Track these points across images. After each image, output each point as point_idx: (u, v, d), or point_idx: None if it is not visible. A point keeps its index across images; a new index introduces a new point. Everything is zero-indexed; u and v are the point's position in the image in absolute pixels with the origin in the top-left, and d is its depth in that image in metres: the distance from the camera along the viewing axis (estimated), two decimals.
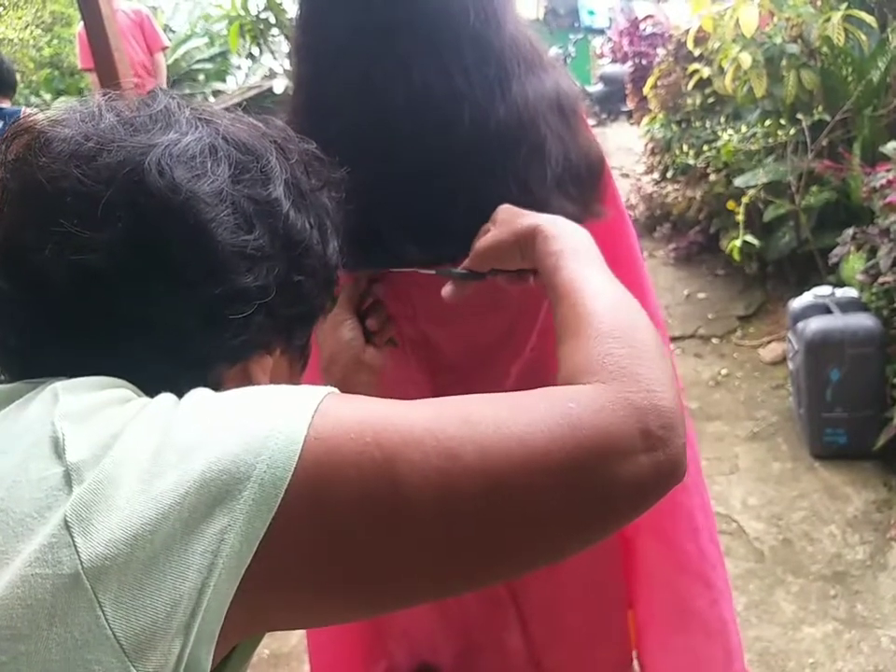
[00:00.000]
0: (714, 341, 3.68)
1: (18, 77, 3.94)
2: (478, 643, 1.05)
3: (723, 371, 3.40)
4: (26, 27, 7.35)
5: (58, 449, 0.41)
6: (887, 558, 2.21)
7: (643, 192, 4.75)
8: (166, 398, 0.46)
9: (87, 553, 0.37)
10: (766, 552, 2.31)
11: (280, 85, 6.24)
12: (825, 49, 3.24)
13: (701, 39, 3.79)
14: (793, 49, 3.25)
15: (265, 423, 0.42)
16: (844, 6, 3.18)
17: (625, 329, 0.56)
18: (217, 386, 0.51)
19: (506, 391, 0.51)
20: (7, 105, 3.40)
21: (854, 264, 2.76)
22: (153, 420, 0.43)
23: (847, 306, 2.66)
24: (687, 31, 3.94)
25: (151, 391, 0.47)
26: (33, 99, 7.02)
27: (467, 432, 0.45)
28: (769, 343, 3.48)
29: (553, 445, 0.46)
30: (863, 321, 2.57)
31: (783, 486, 2.59)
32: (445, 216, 0.78)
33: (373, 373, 0.82)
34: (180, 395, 0.46)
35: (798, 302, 2.80)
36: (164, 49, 4.90)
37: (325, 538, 0.43)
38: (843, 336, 2.55)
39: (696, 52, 3.88)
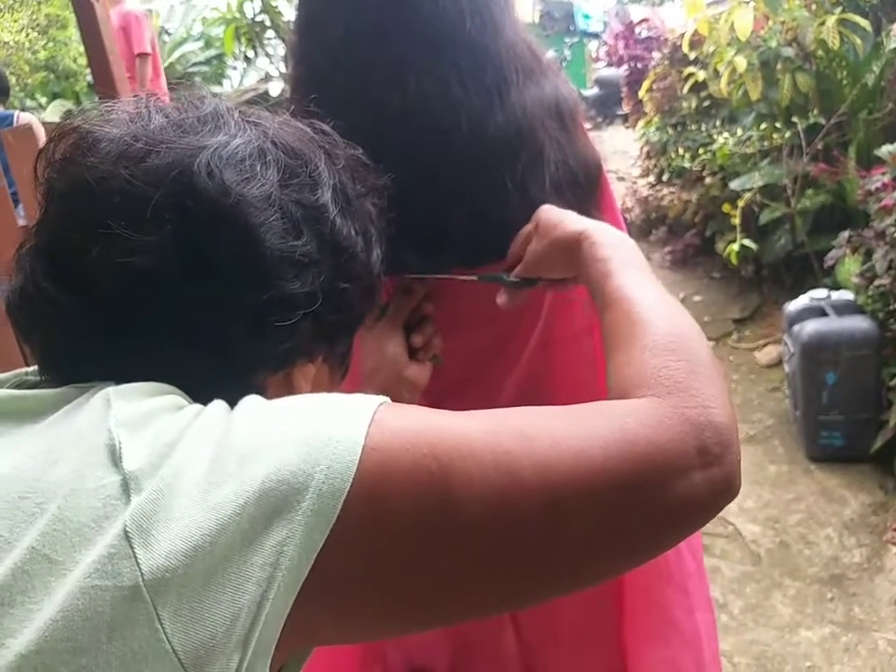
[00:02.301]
0: (710, 344, 3.68)
1: (13, 80, 3.93)
2: (472, 647, 1.05)
3: (720, 364, 3.40)
4: (21, 30, 7.33)
5: (115, 457, 0.40)
6: (883, 561, 2.21)
7: (639, 195, 4.76)
8: (219, 405, 0.45)
9: (147, 565, 0.37)
10: (763, 555, 2.31)
11: (276, 88, 6.25)
12: (820, 52, 3.25)
13: (696, 43, 3.80)
14: (788, 52, 3.27)
15: (322, 432, 0.42)
16: (839, 9, 3.20)
17: (681, 342, 0.55)
18: (260, 392, 0.51)
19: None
20: (0, 108, 3.40)
21: (850, 267, 2.76)
22: (209, 428, 0.42)
23: (843, 309, 2.66)
24: (682, 34, 3.96)
25: (197, 395, 0.47)
26: (28, 102, 7.01)
27: (524, 446, 0.44)
28: (765, 346, 3.49)
29: (610, 462, 0.45)
30: (859, 324, 2.57)
31: (779, 489, 2.59)
32: (443, 222, 0.78)
33: (414, 390, 0.80)
34: (226, 399, 0.46)
35: (794, 305, 2.80)
36: (143, 55, 4.63)
37: (381, 549, 0.42)
38: (839, 339, 2.55)
39: (692, 56, 3.89)
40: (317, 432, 0.42)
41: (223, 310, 0.48)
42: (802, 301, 2.79)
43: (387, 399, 0.46)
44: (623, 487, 0.45)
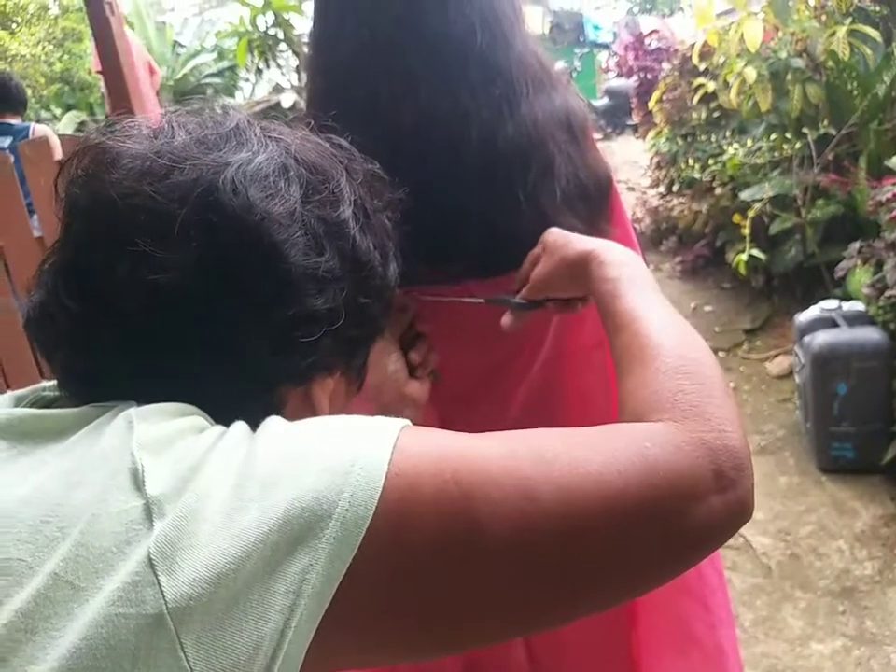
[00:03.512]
0: (720, 354, 3.67)
1: (29, 92, 3.97)
2: (481, 658, 1.04)
3: (730, 385, 3.38)
4: (38, 43, 7.43)
5: (137, 481, 0.40)
6: (895, 574, 2.19)
7: (649, 206, 4.76)
8: (241, 427, 0.45)
9: (171, 593, 0.36)
10: (773, 567, 2.30)
11: (287, 99, 6.30)
12: (830, 63, 3.25)
13: (706, 54, 3.81)
14: (798, 63, 3.27)
15: (346, 458, 0.42)
16: (849, 20, 3.20)
17: (694, 365, 0.55)
18: (280, 407, 0.51)
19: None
20: (18, 121, 3.44)
21: (860, 278, 2.75)
22: (232, 452, 0.42)
23: (854, 320, 2.65)
24: (692, 45, 3.97)
25: (218, 412, 0.47)
26: (43, 114, 7.09)
27: (543, 471, 0.45)
28: (776, 356, 3.47)
29: (629, 486, 0.45)
30: (870, 335, 2.56)
31: (790, 501, 2.57)
32: (454, 234, 0.78)
33: (416, 407, 0.81)
34: (247, 416, 0.46)
35: (804, 316, 2.79)
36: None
37: (403, 575, 0.42)
38: (850, 350, 2.54)
39: (701, 67, 3.90)
40: (341, 458, 0.42)
41: (247, 326, 0.48)
42: (812, 311, 2.78)
43: (408, 423, 0.46)
44: (643, 511, 0.45)
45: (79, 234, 0.49)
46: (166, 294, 0.46)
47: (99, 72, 4.66)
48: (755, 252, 3.41)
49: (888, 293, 2.52)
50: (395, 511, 0.41)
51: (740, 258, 3.44)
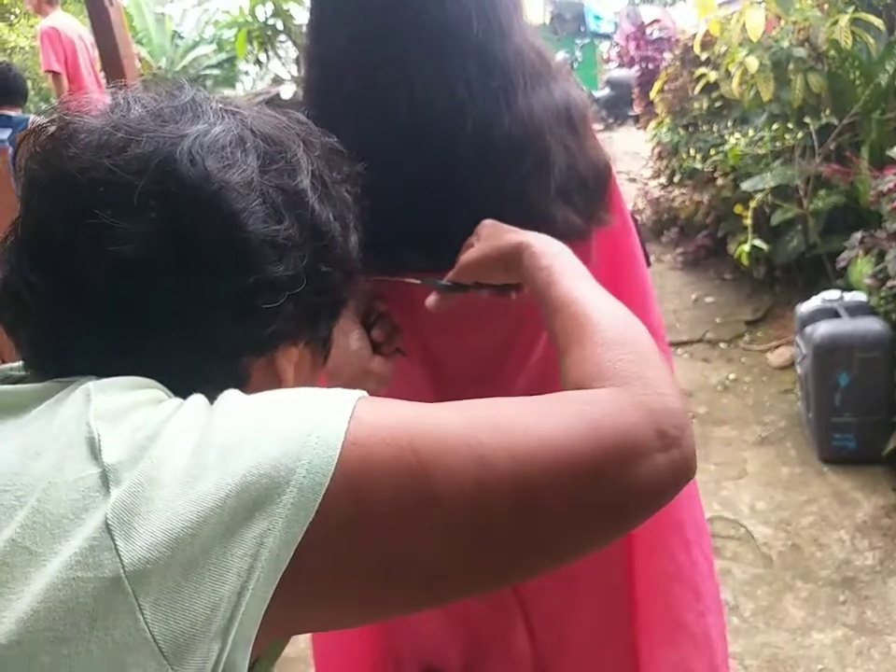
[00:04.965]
0: (722, 345, 3.67)
1: (28, 84, 3.96)
2: (485, 649, 1.05)
3: (731, 376, 3.38)
4: (37, 35, 7.40)
5: (94, 450, 0.41)
6: None
7: (650, 196, 4.75)
8: (199, 399, 0.46)
9: (128, 557, 0.37)
10: (775, 557, 2.30)
11: (287, 91, 6.28)
12: (832, 52, 3.23)
13: (708, 43, 3.79)
14: (800, 52, 3.25)
15: (304, 426, 0.43)
16: (851, 9, 3.18)
17: (630, 337, 0.59)
18: (245, 378, 0.52)
19: None
20: (17, 112, 3.44)
21: (862, 268, 2.75)
22: (189, 421, 0.43)
23: (856, 310, 2.65)
24: (694, 35, 3.95)
25: (181, 384, 0.47)
26: (43, 106, 7.08)
27: (498, 438, 0.47)
28: (777, 347, 3.47)
29: (578, 448, 0.48)
30: (872, 325, 2.55)
31: (792, 491, 2.57)
32: (447, 224, 0.79)
33: (381, 382, 0.82)
34: (210, 387, 0.47)
35: (806, 307, 2.79)
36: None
37: (360, 542, 0.43)
38: (851, 340, 2.54)
39: (703, 56, 3.88)
40: (298, 427, 0.43)
41: (208, 295, 0.49)
42: (814, 302, 2.78)
43: (365, 394, 0.47)
44: (592, 471, 0.48)
45: (40, 210, 0.49)
46: (127, 265, 0.46)
47: (48, 71, 4.60)
48: (757, 243, 3.40)
49: (889, 283, 2.52)
50: (352, 478, 0.42)
51: (742, 248, 3.43)
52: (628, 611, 1.02)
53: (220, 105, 0.55)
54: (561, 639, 1.02)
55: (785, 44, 3.29)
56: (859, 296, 2.72)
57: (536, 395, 0.53)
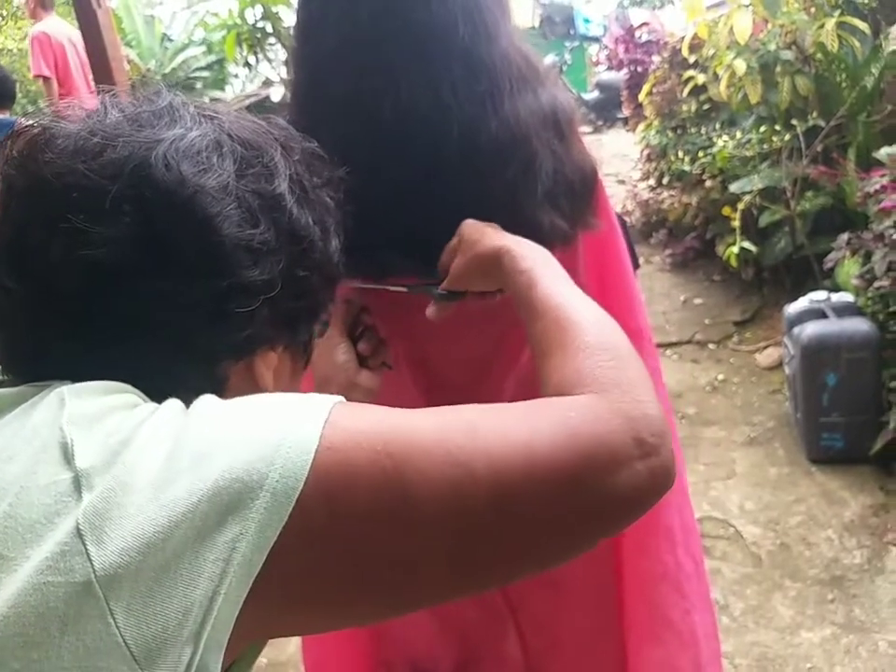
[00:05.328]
0: (711, 346, 3.69)
1: (16, 87, 3.94)
2: (476, 653, 1.05)
3: (720, 377, 3.40)
4: (25, 37, 7.36)
5: (67, 455, 0.41)
6: (884, 562, 2.21)
7: (639, 199, 4.77)
8: (174, 403, 0.46)
9: (99, 562, 0.37)
10: (764, 556, 2.31)
11: (277, 93, 6.27)
12: (819, 55, 3.26)
13: (696, 46, 3.81)
14: (788, 55, 3.27)
15: (277, 431, 0.43)
16: (837, 12, 3.20)
17: (610, 343, 0.58)
18: (222, 383, 0.52)
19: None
20: (5, 115, 3.42)
21: (849, 269, 2.77)
22: (164, 426, 0.43)
23: (843, 311, 2.67)
24: (682, 38, 3.97)
25: (157, 389, 0.47)
26: (30, 108, 7.03)
27: (475, 443, 0.46)
28: (765, 348, 3.49)
29: (555, 454, 0.47)
30: (859, 326, 2.57)
31: (780, 491, 2.59)
32: (433, 228, 0.79)
33: (368, 394, 0.82)
34: (187, 391, 0.47)
35: (794, 307, 2.81)
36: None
37: (335, 547, 0.43)
38: (839, 341, 2.56)
39: (691, 59, 3.90)
40: (272, 431, 0.43)
41: (183, 299, 0.49)
42: (802, 303, 2.80)
43: (342, 399, 0.47)
44: (570, 478, 0.47)
45: (17, 215, 0.50)
46: (101, 270, 0.47)
47: (38, 76, 4.59)
48: (745, 244, 3.42)
49: (876, 284, 2.54)
50: (326, 482, 0.42)
51: (730, 250, 3.45)
52: (617, 612, 1.02)
53: (198, 110, 0.55)
54: (552, 643, 1.02)
55: (772, 47, 3.31)
56: (846, 297, 2.74)
57: (527, 394, 0.53)
